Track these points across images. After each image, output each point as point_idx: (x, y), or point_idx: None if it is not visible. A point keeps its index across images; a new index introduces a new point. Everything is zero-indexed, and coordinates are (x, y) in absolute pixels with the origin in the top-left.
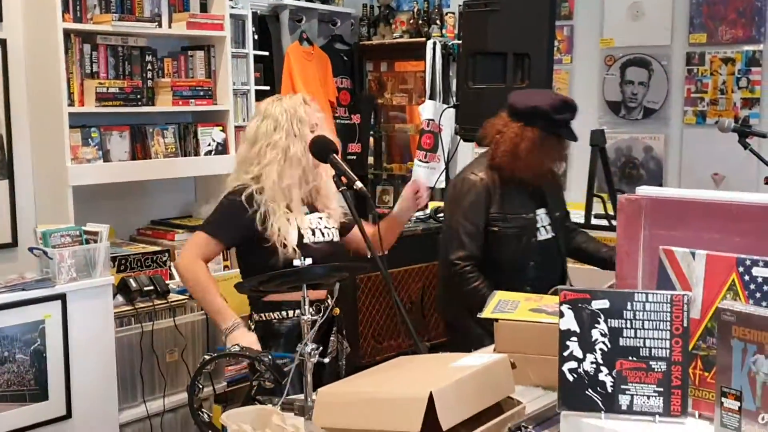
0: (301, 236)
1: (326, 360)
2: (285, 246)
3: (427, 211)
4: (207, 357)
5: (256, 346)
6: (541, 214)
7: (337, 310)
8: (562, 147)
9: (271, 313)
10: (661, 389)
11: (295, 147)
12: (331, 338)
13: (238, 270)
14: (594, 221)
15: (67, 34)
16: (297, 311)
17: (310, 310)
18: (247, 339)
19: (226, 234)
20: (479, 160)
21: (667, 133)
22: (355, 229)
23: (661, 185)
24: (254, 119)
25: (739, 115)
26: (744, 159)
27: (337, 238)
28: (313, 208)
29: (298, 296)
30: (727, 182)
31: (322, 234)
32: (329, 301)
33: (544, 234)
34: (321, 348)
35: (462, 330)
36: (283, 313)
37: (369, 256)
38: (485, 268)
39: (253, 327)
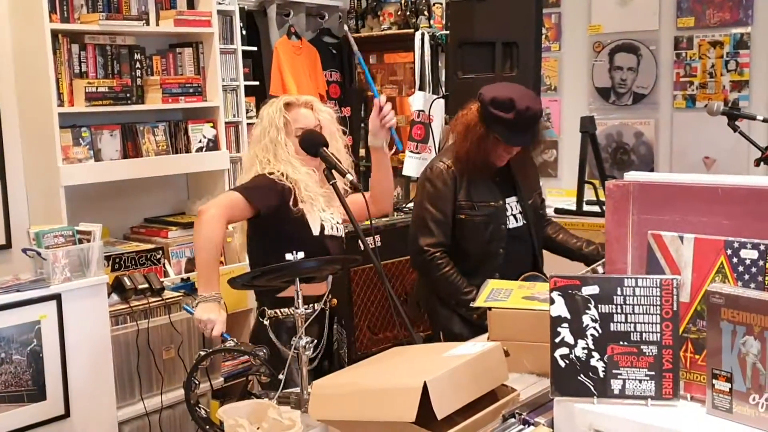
0: (323, 226)
1: (312, 354)
2: (310, 232)
3: None
4: (203, 353)
5: (222, 325)
6: (511, 202)
7: (335, 301)
8: (504, 147)
9: (284, 310)
10: (653, 373)
11: (277, 153)
12: (335, 328)
13: (231, 266)
14: (586, 207)
15: (54, 34)
16: (309, 305)
17: (316, 304)
18: (216, 314)
19: (262, 200)
20: (449, 148)
21: (657, 117)
22: (354, 195)
23: (652, 170)
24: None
25: (728, 98)
26: (734, 142)
27: (342, 234)
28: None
29: (311, 291)
30: (718, 165)
31: (337, 229)
32: (331, 296)
33: (515, 222)
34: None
35: (432, 314)
36: (284, 310)
37: (362, 249)
38: (454, 256)
39: (267, 323)
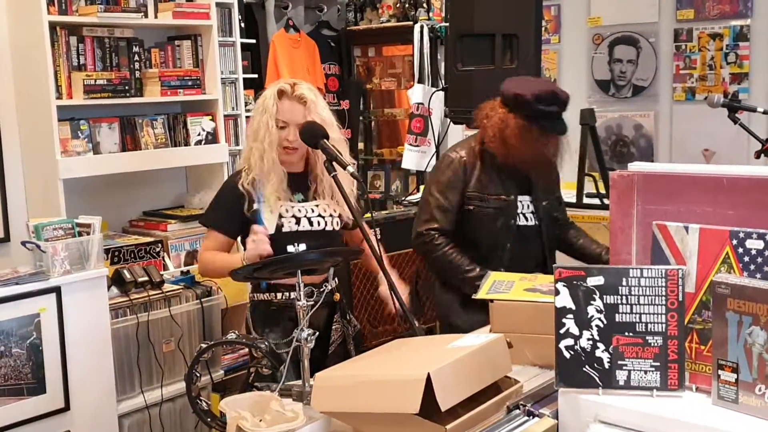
0: (280, 225)
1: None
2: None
3: (419, 194)
4: (203, 345)
5: (264, 244)
6: (524, 200)
7: (337, 296)
8: (549, 138)
9: (268, 294)
10: (658, 364)
11: (260, 136)
12: (334, 326)
13: None
14: (586, 200)
15: (52, 27)
16: (293, 293)
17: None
18: (251, 245)
19: (227, 225)
20: (466, 141)
21: (656, 110)
22: (355, 232)
23: (651, 162)
24: None
25: (728, 90)
26: (734, 134)
27: (332, 227)
28: (310, 197)
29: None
30: (718, 157)
31: (310, 222)
32: (327, 285)
33: (525, 221)
34: (317, 333)
35: (437, 305)
36: (279, 294)
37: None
38: (461, 247)
39: (250, 307)
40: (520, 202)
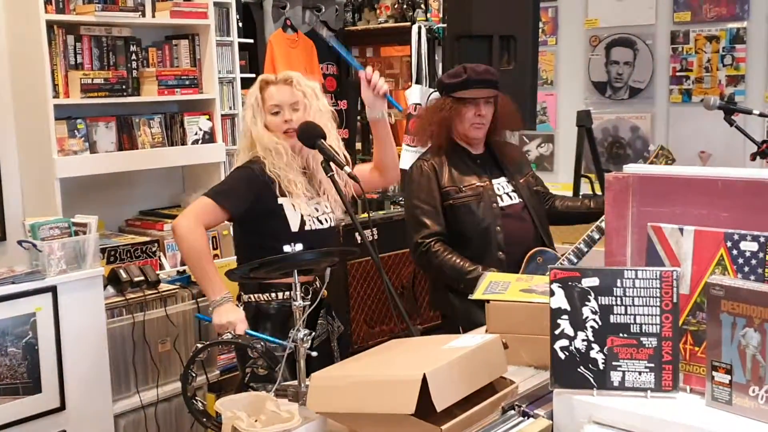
0: (303, 222)
1: (309, 342)
2: (288, 228)
3: None
4: (199, 345)
5: (243, 323)
6: (500, 182)
7: (325, 293)
8: (467, 108)
9: (260, 295)
10: (653, 365)
11: (256, 130)
12: (319, 321)
13: (227, 259)
14: None
15: (50, 25)
16: (286, 293)
17: (301, 294)
18: (234, 315)
19: (233, 202)
20: (429, 147)
21: (653, 112)
22: (362, 167)
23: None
24: None
25: (724, 92)
26: (730, 136)
27: (332, 224)
28: (313, 193)
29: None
30: (714, 159)
31: (320, 222)
32: (317, 283)
33: (509, 200)
34: (313, 334)
35: (447, 309)
36: (272, 294)
37: (359, 242)
38: (455, 245)
39: (241, 307)
40: (498, 184)
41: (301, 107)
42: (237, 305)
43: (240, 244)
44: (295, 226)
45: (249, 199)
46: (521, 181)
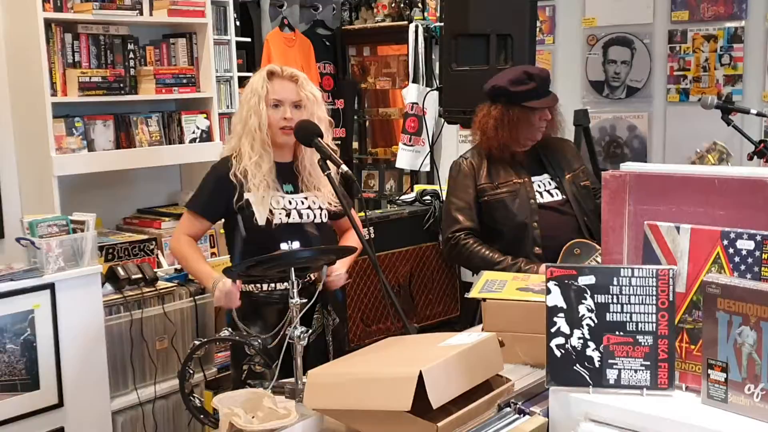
0: (269, 218)
1: (306, 339)
2: (256, 223)
3: (413, 194)
4: (197, 343)
5: (235, 300)
6: (541, 179)
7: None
8: (536, 116)
9: (252, 286)
10: (648, 363)
11: (252, 121)
12: (315, 315)
13: (224, 258)
14: None
15: (47, 23)
16: (278, 285)
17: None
18: (223, 295)
19: (209, 209)
20: (472, 148)
21: (650, 111)
22: (342, 220)
23: (645, 163)
24: None
25: (722, 92)
26: (727, 136)
27: (321, 220)
28: (299, 188)
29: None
30: None
31: (300, 215)
32: (312, 275)
33: (549, 197)
34: (310, 331)
35: None
36: (264, 285)
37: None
38: (489, 239)
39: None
40: (538, 181)
41: (302, 108)
42: (223, 284)
43: (229, 243)
44: (261, 220)
45: (222, 203)
46: (567, 177)
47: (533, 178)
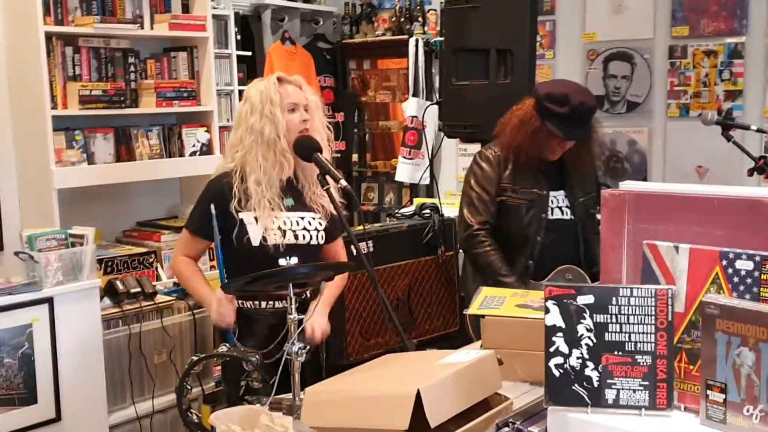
0: (264, 238)
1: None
2: (249, 242)
3: (412, 207)
4: (195, 358)
5: (230, 317)
6: (558, 195)
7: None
8: (554, 140)
9: (246, 302)
10: (647, 383)
11: (268, 130)
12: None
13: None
14: None
15: (48, 36)
16: (273, 302)
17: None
18: (214, 314)
19: (204, 229)
20: (499, 139)
21: (650, 126)
22: (333, 244)
23: (645, 179)
24: (240, 103)
25: (722, 107)
26: (727, 151)
27: (316, 242)
28: (299, 205)
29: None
30: (711, 175)
31: (295, 236)
32: (307, 293)
33: (560, 214)
34: (308, 348)
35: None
36: (258, 303)
37: (355, 255)
38: (495, 236)
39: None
40: (554, 196)
41: (310, 112)
42: (219, 302)
43: (225, 259)
44: (255, 241)
45: (217, 222)
46: (581, 199)
47: (551, 193)
